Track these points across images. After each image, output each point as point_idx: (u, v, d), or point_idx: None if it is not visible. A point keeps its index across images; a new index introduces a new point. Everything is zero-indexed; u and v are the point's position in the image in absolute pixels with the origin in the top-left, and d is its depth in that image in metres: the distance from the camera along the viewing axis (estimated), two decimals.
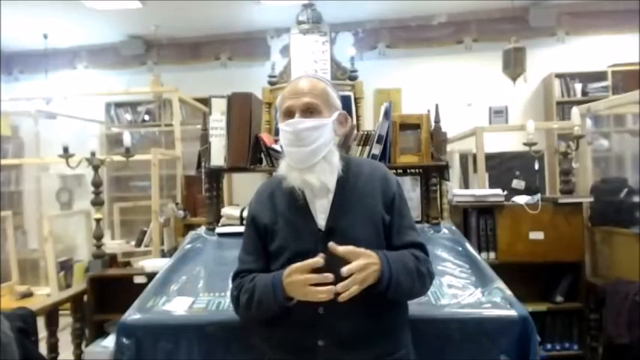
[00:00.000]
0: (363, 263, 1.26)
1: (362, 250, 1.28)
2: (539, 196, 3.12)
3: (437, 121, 2.27)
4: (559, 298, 3.12)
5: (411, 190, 2.34)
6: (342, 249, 1.26)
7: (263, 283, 1.37)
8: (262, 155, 2.27)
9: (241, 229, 1.61)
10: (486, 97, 5.63)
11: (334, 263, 1.28)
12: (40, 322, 2.62)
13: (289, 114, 1.40)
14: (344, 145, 1.55)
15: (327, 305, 1.36)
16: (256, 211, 1.50)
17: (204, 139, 2.29)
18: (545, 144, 4.93)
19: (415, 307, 1.58)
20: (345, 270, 1.25)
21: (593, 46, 5.57)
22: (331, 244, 1.27)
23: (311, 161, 1.37)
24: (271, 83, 2.73)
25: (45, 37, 5.77)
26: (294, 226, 1.40)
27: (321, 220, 1.40)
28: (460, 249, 2.09)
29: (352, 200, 1.39)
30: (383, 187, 1.43)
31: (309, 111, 1.38)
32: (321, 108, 1.39)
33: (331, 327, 1.36)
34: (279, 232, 1.42)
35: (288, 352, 1.38)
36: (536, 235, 3.06)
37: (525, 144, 3.32)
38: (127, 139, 3.47)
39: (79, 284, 3.58)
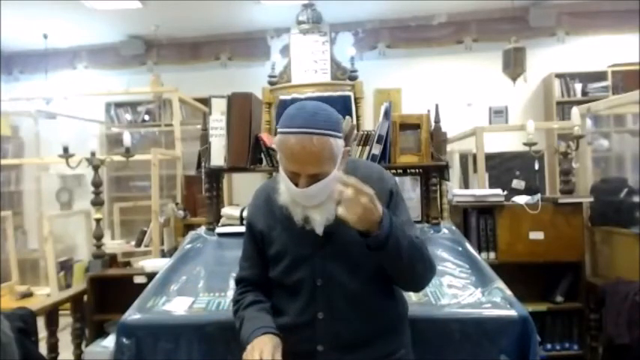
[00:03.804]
0: (366, 188, 1.22)
1: (366, 186, 1.23)
2: (539, 196, 3.12)
3: (437, 121, 2.27)
4: (559, 298, 3.12)
5: (411, 190, 2.34)
6: (345, 178, 1.23)
7: (244, 330, 1.37)
8: (262, 155, 2.27)
9: (241, 229, 1.61)
10: (486, 97, 5.63)
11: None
12: (40, 322, 2.62)
13: (294, 173, 1.32)
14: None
15: (326, 310, 1.36)
16: (252, 217, 1.50)
17: (204, 139, 2.29)
18: (545, 144, 4.93)
19: (415, 307, 1.58)
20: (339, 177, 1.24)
21: (593, 46, 5.57)
22: (338, 176, 1.25)
23: (317, 202, 1.33)
24: (271, 83, 2.73)
25: (45, 37, 5.77)
26: (292, 231, 1.38)
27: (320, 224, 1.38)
28: (460, 249, 2.09)
29: None
30: (379, 186, 1.41)
31: (315, 176, 1.30)
32: (326, 168, 1.29)
33: (330, 331, 1.36)
34: (278, 237, 1.42)
35: (287, 356, 1.38)
36: (536, 235, 3.06)
37: (525, 144, 3.32)
38: (127, 139, 3.48)
39: (79, 284, 3.58)
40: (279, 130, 1.31)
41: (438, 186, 2.33)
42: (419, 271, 1.36)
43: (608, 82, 5.31)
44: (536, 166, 4.26)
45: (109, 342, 2.80)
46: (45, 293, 3.98)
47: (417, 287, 1.47)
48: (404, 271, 1.35)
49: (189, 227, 3.47)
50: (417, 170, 2.34)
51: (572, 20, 5.60)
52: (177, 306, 1.76)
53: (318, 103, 1.34)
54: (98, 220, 3.24)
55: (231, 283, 1.61)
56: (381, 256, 1.28)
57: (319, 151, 1.26)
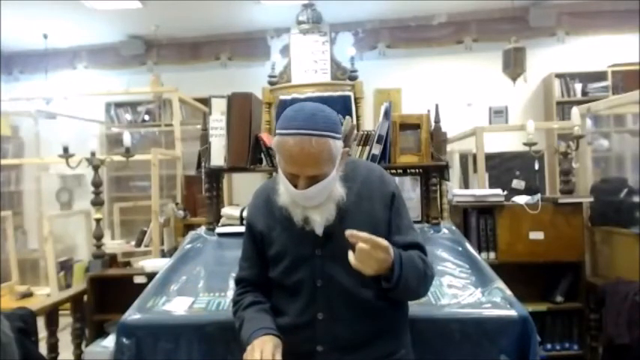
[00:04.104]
0: (382, 242, 1.23)
1: (381, 239, 1.24)
2: (539, 196, 3.12)
3: (437, 121, 2.27)
4: (559, 298, 3.12)
5: (411, 190, 2.34)
6: (360, 234, 1.22)
7: (244, 330, 1.37)
8: (262, 155, 2.27)
9: (241, 229, 1.61)
10: (486, 97, 5.63)
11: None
12: (40, 322, 2.62)
13: (293, 175, 1.32)
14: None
15: (326, 311, 1.36)
16: (252, 217, 1.50)
17: (204, 139, 2.29)
18: (545, 144, 4.93)
19: (415, 307, 1.58)
20: (350, 232, 1.22)
21: (593, 46, 5.57)
22: (349, 231, 1.23)
23: (316, 202, 1.34)
24: (271, 83, 2.73)
25: (45, 37, 5.77)
26: (292, 232, 1.38)
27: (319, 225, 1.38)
28: (460, 249, 2.09)
29: (350, 204, 1.38)
30: (381, 189, 1.42)
31: (314, 177, 1.30)
32: (325, 170, 1.30)
33: (330, 332, 1.36)
34: (277, 237, 1.42)
35: (286, 357, 1.37)
36: (536, 235, 3.06)
37: (525, 144, 3.32)
38: (127, 139, 3.47)
39: (79, 284, 3.58)
40: (277, 131, 1.31)
41: (438, 186, 2.33)
42: (421, 293, 1.43)
43: (608, 82, 5.31)
44: (536, 166, 4.26)
45: (109, 342, 2.80)
46: (45, 293, 3.98)
47: (416, 300, 1.51)
48: (406, 296, 1.44)
49: (189, 227, 3.47)
50: (417, 170, 2.34)
51: (572, 20, 5.60)
52: (177, 306, 1.76)
53: (316, 104, 1.34)
54: (98, 220, 3.24)
55: (231, 283, 1.60)
56: (390, 293, 1.33)
57: (318, 153, 1.26)
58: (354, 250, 1.30)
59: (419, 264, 1.36)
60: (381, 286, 1.31)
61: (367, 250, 1.21)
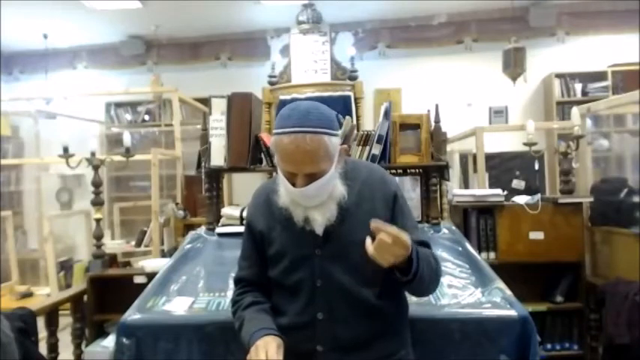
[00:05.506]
0: (404, 239, 1.22)
1: (405, 236, 1.23)
2: (539, 196, 3.12)
3: (437, 121, 2.27)
4: (559, 298, 3.12)
5: (411, 190, 2.34)
6: (386, 226, 1.21)
7: (245, 331, 1.37)
8: (262, 155, 2.27)
9: (241, 229, 1.61)
10: (486, 97, 5.63)
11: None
12: (40, 322, 2.61)
13: (291, 173, 1.32)
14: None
15: (326, 311, 1.36)
16: (252, 217, 1.50)
17: (204, 139, 2.30)
18: (545, 144, 4.94)
19: (415, 307, 1.58)
20: (375, 224, 1.21)
21: (593, 46, 5.57)
22: (374, 222, 1.22)
23: (317, 201, 1.34)
24: (271, 83, 2.73)
25: (45, 37, 5.77)
26: (292, 232, 1.38)
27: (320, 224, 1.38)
28: (460, 249, 2.09)
29: (351, 204, 1.38)
30: (382, 189, 1.42)
31: (313, 175, 1.30)
32: (322, 167, 1.29)
33: (330, 332, 1.36)
34: (277, 237, 1.42)
35: (286, 357, 1.37)
36: (536, 235, 3.06)
37: (525, 144, 3.32)
38: (127, 139, 3.47)
39: (79, 284, 3.59)
40: (274, 131, 1.32)
41: (438, 186, 2.33)
42: (431, 289, 1.44)
43: (608, 82, 5.31)
44: (536, 166, 4.26)
45: (109, 342, 2.80)
46: (45, 293, 3.99)
47: (425, 296, 1.52)
48: (418, 291, 1.43)
49: (189, 227, 3.47)
50: (417, 170, 2.34)
51: (572, 20, 5.60)
52: (177, 306, 1.76)
53: (312, 102, 1.34)
54: (98, 220, 3.24)
55: (231, 283, 1.60)
56: (402, 286, 1.33)
57: (314, 150, 1.26)
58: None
59: (432, 262, 1.38)
60: (387, 283, 1.31)
61: (388, 243, 1.20)
